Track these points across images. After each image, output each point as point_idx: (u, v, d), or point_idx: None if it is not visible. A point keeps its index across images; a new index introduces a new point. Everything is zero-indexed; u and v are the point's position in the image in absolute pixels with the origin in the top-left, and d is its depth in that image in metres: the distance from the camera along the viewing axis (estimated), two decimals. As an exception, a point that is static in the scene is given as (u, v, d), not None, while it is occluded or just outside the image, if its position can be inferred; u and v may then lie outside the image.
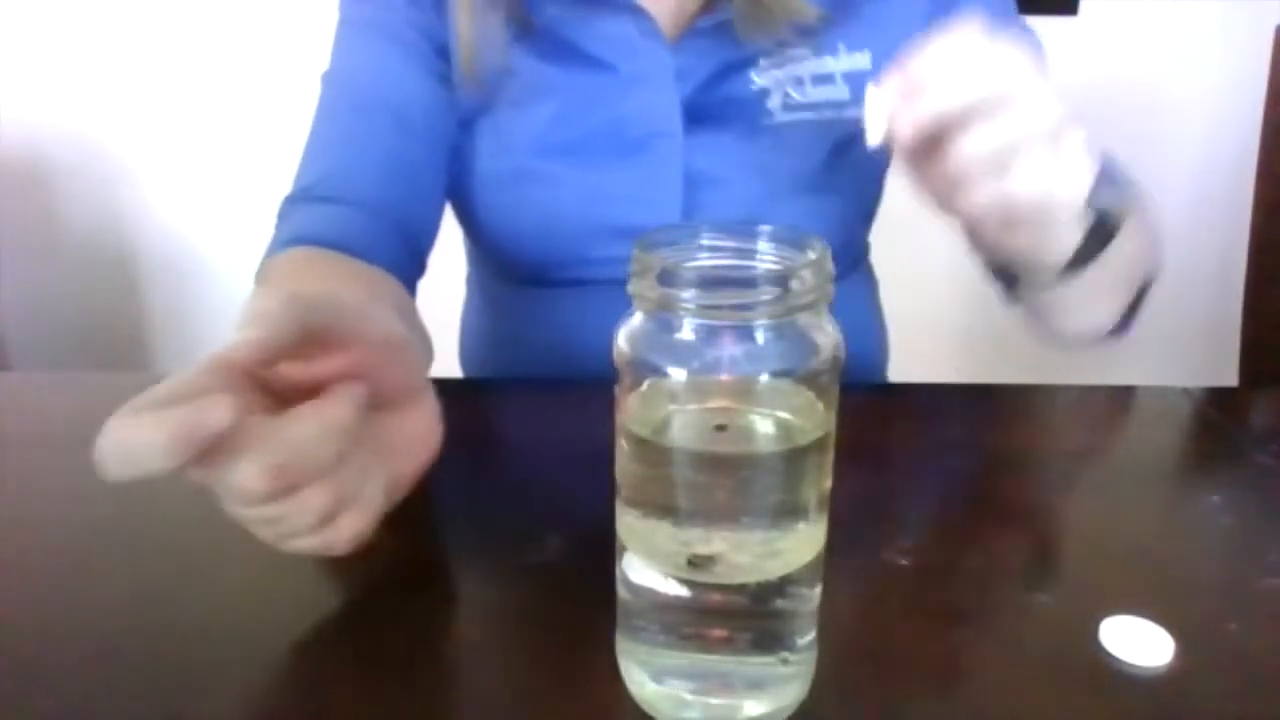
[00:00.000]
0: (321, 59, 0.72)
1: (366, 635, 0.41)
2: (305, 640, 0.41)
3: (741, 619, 0.34)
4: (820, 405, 0.33)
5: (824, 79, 0.69)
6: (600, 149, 0.69)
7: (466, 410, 0.66)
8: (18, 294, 1.69)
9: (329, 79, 0.71)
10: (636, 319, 0.33)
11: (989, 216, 0.49)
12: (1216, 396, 0.66)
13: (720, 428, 0.34)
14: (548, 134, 0.69)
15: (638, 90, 0.68)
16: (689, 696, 0.35)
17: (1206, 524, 0.50)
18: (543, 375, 0.74)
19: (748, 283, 0.32)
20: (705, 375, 0.33)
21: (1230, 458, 0.58)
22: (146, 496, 0.47)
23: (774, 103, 0.69)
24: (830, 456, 0.35)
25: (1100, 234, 0.55)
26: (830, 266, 0.33)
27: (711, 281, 0.32)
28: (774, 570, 0.34)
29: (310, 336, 0.37)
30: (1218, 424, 0.62)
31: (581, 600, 0.42)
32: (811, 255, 0.33)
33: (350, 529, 0.38)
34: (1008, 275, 0.64)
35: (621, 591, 0.37)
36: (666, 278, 0.32)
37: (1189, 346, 1.64)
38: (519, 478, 0.55)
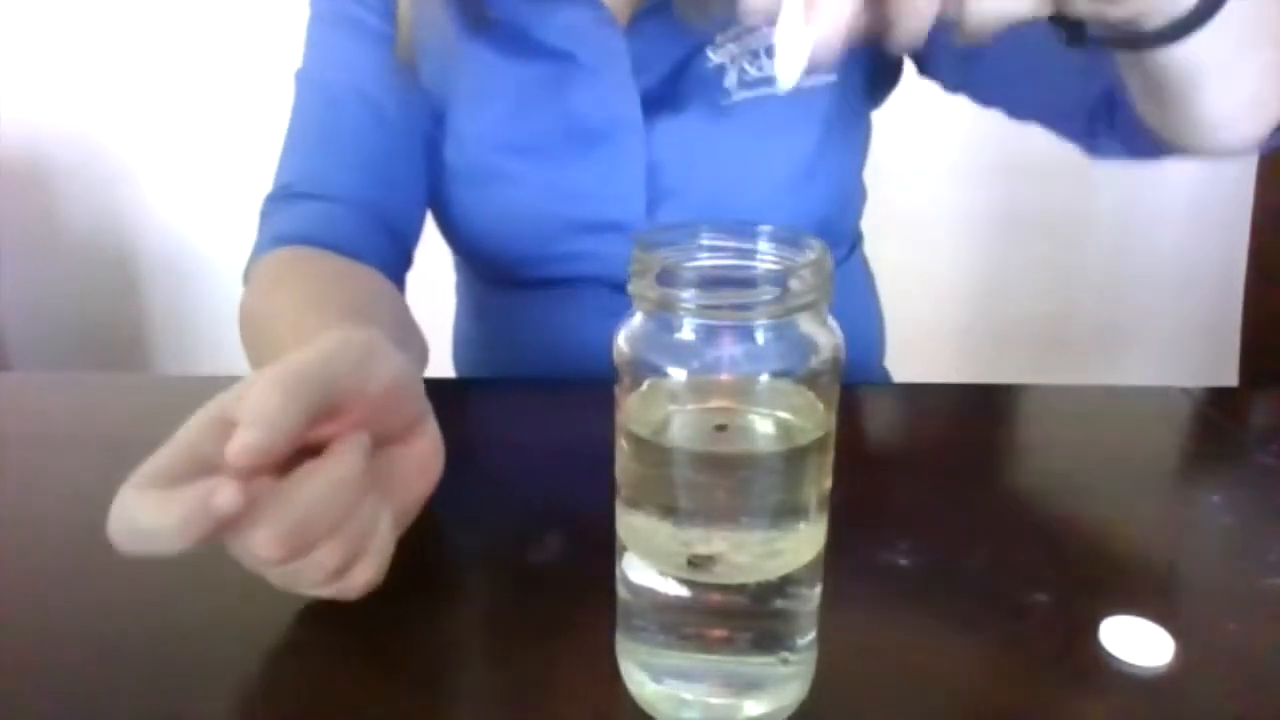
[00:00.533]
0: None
1: (366, 635, 0.41)
2: (305, 640, 0.41)
3: (741, 619, 0.34)
4: (820, 405, 0.33)
5: None
6: (559, 143, 0.68)
7: (467, 410, 0.66)
8: (18, 294, 1.69)
9: (302, 76, 0.71)
10: (636, 319, 0.33)
11: None
12: (1216, 396, 0.66)
13: (720, 428, 0.34)
14: (504, 130, 0.69)
15: (594, 79, 0.67)
16: (689, 696, 0.35)
17: (1206, 524, 0.50)
18: (528, 376, 0.74)
19: (747, 282, 0.32)
20: (705, 375, 0.33)
21: (1230, 458, 0.58)
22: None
23: (730, 80, 0.67)
24: (830, 456, 0.35)
25: None
26: (830, 266, 0.32)
27: (711, 281, 0.32)
28: (774, 570, 0.34)
29: (313, 419, 0.37)
30: (1218, 424, 0.62)
31: (581, 600, 0.42)
32: (811, 255, 0.33)
33: (363, 577, 0.39)
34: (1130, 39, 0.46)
35: (621, 591, 0.37)
36: (666, 278, 0.32)
37: (1189, 346, 1.64)
38: (519, 478, 0.55)
